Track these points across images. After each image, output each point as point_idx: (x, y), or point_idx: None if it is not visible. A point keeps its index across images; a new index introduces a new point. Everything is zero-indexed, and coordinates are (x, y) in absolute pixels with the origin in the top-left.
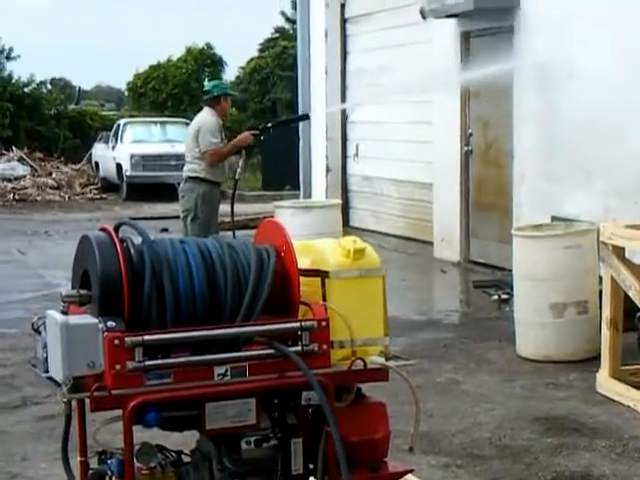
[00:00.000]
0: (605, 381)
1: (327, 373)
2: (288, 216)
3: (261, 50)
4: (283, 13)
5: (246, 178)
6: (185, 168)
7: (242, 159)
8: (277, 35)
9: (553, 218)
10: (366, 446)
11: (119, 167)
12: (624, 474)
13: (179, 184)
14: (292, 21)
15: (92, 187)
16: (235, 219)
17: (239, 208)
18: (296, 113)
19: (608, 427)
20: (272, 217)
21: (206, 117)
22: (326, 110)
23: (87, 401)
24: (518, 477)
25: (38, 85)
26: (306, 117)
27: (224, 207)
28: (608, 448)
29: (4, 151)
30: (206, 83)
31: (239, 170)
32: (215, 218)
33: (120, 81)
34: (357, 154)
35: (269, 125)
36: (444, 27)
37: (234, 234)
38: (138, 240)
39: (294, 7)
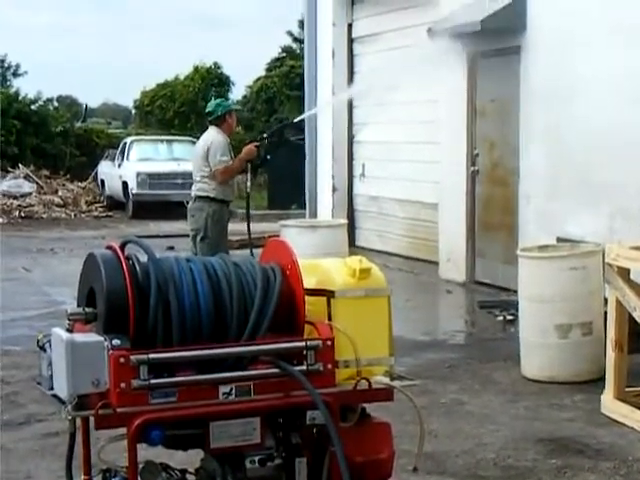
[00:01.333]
0: (610, 403)
1: (332, 392)
2: (294, 235)
3: (268, 69)
4: (290, 33)
5: (252, 197)
6: (194, 187)
7: (249, 173)
8: (284, 55)
9: (558, 239)
10: (371, 466)
11: (125, 185)
12: None
13: (187, 203)
14: (299, 40)
15: (98, 205)
16: (241, 238)
17: (245, 227)
18: (302, 132)
19: (612, 449)
20: (278, 236)
21: (215, 136)
22: (333, 99)
23: (91, 419)
24: None
25: (45, 102)
26: (292, 123)
27: (234, 226)
28: (612, 469)
29: (10, 168)
30: (209, 104)
31: (248, 184)
32: (225, 237)
33: (127, 99)
34: (363, 174)
35: (265, 135)
36: (451, 47)
37: (251, 251)
38: (144, 258)
39: (301, 27)
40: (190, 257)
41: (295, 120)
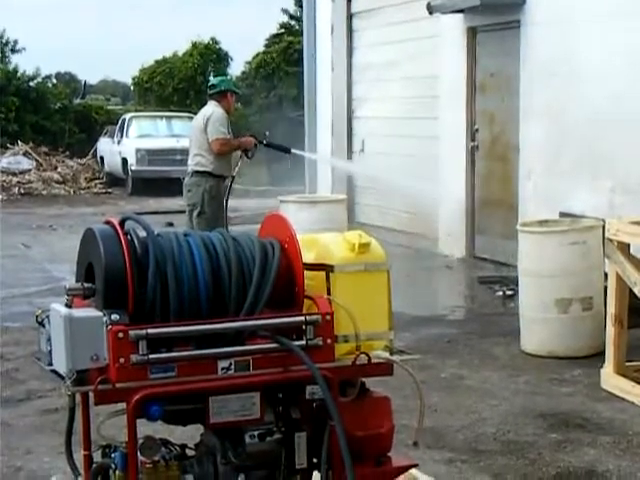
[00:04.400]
0: (609, 377)
1: (331, 367)
2: (293, 211)
3: (267, 45)
4: (285, 10)
5: (252, 173)
6: (191, 162)
7: (241, 160)
8: (282, 31)
9: (561, 214)
10: (370, 440)
11: (124, 161)
12: (628, 470)
13: (184, 178)
14: (295, 18)
15: (97, 181)
16: (241, 214)
17: (245, 203)
18: (302, 108)
19: (612, 423)
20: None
21: (214, 109)
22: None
23: (91, 394)
24: (522, 472)
25: (43, 79)
26: (289, 152)
27: (234, 202)
28: (612, 444)
29: (9, 145)
30: (212, 78)
31: (237, 169)
32: (221, 212)
33: (126, 76)
34: (363, 149)
35: (264, 142)
36: (451, 22)
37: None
38: (142, 233)
39: (297, 4)
40: (188, 232)
41: (293, 151)
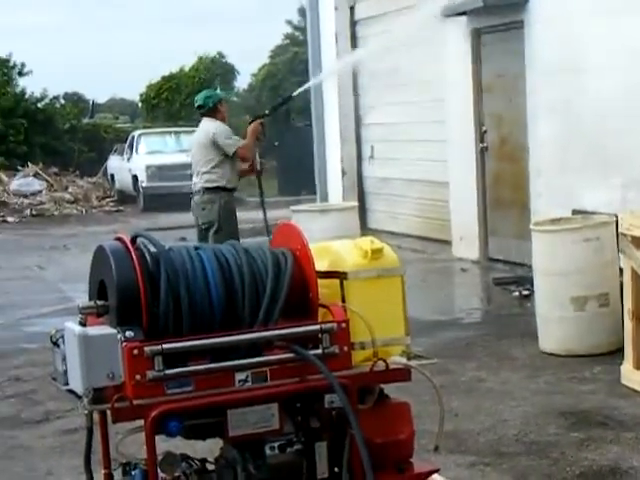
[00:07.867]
0: (630, 373)
1: (349, 375)
2: (305, 220)
3: (272, 57)
4: (289, 22)
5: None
6: (200, 179)
7: (257, 148)
8: (287, 42)
9: (574, 211)
10: (391, 447)
11: (135, 178)
12: None
13: (192, 195)
14: (299, 28)
15: (109, 200)
16: (252, 226)
17: (255, 215)
18: (309, 118)
19: (634, 419)
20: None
21: (215, 124)
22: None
23: (109, 412)
24: (546, 473)
25: (51, 100)
26: (291, 97)
27: (243, 214)
28: (635, 440)
29: (20, 167)
30: (197, 97)
31: (258, 161)
32: (236, 227)
33: (134, 93)
34: (372, 156)
35: (267, 112)
36: (454, 25)
37: (268, 233)
38: (154, 249)
39: (301, 14)
40: (200, 245)
41: (294, 93)
